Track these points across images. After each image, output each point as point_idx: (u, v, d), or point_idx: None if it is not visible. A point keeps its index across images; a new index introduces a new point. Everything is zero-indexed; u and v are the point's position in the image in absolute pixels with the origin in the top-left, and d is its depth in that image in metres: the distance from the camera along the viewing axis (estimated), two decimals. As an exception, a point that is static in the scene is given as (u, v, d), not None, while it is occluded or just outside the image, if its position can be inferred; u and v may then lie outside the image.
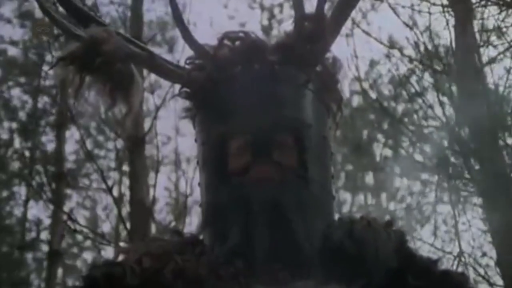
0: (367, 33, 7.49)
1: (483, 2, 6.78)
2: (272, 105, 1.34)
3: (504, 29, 6.77)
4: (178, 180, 11.36)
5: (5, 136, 11.23)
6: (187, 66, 1.48)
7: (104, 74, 1.40)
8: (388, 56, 7.76)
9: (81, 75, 1.40)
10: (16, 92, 11.49)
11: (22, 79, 11.54)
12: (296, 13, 1.45)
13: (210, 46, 1.46)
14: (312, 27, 1.42)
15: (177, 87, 1.49)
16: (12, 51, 11.66)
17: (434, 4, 7.03)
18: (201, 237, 1.36)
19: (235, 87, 1.37)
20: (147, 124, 7.58)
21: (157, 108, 7.77)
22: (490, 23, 6.80)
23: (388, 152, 10.05)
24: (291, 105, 1.36)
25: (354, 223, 1.31)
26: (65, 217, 9.18)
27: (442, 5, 6.97)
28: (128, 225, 7.18)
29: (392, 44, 7.91)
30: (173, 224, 9.29)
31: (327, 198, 1.37)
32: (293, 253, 1.24)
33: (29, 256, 11.53)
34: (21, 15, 10.97)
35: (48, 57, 9.19)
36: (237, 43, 1.43)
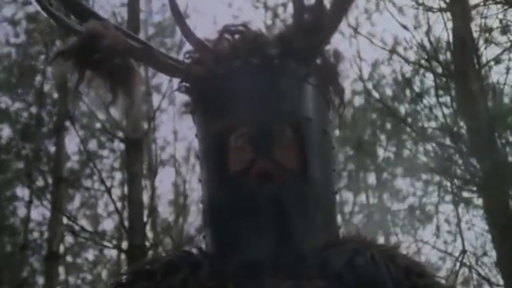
0: (369, 39, 7.52)
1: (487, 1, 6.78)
2: (272, 101, 1.33)
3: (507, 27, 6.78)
4: (177, 180, 11.39)
5: (6, 136, 11.22)
6: (186, 60, 1.46)
7: (103, 69, 1.38)
8: (390, 59, 7.78)
9: (80, 70, 1.38)
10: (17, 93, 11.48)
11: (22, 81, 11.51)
12: (295, 4, 1.43)
13: (209, 40, 1.44)
14: (311, 18, 1.40)
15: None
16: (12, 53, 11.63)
17: (431, 10, 7.04)
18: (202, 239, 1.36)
19: (234, 82, 1.35)
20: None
21: (155, 110, 7.78)
22: (491, 22, 6.81)
23: (391, 152, 10.05)
24: (291, 100, 1.34)
25: (357, 255, 1.26)
26: (65, 219, 9.21)
27: (440, 9, 6.98)
28: (127, 225, 7.18)
29: (394, 47, 7.92)
30: (172, 224, 9.31)
31: (328, 194, 1.36)
32: (299, 258, 1.23)
33: (31, 256, 11.53)
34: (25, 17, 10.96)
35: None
36: (237, 37, 1.41)
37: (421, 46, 6.98)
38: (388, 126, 9.50)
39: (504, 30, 6.79)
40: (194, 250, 1.34)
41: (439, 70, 6.95)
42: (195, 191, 9.60)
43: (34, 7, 10.49)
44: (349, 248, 1.27)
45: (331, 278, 1.21)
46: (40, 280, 11.42)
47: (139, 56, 1.43)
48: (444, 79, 6.93)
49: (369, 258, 1.25)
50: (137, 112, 1.46)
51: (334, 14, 1.42)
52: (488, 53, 6.82)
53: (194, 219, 9.67)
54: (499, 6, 6.74)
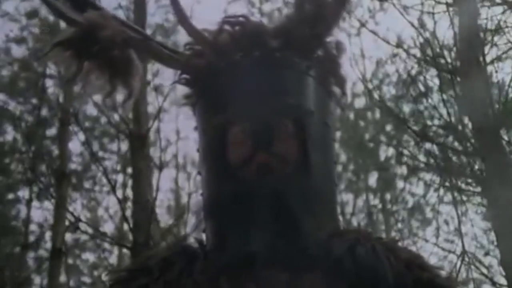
0: (374, 33, 7.51)
1: (486, 3, 6.76)
2: (274, 95, 1.31)
3: (507, 29, 6.77)
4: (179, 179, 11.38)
5: (10, 138, 11.23)
6: (186, 52, 1.45)
7: (102, 60, 1.37)
8: (395, 55, 7.76)
9: (78, 61, 1.36)
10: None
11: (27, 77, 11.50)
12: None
13: (209, 32, 1.42)
14: (312, 9, 1.38)
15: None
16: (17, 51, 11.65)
17: (438, 2, 7.02)
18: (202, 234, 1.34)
19: (235, 74, 1.34)
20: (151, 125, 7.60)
21: (160, 107, 7.77)
22: (493, 23, 6.79)
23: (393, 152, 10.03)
24: (292, 93, 1.33)
25: (358, 244, 1.26)
26: (68, 215, 9.20)
27: (447, 4, 6.96)
28: (131, 225, 7.17)
29: (399, 44, 7.90)
30: (174, 223, 9.30)
31: (330, 186, 1.35)
32: (297, 250, 1.22)
33: (31, 256, 11.54)
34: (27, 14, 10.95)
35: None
36: (237, 28, 1.39)
37: (427, 42, 6.97)
38: (390, 126, 9.48)
39: (504, 32, 6.78)
40: (193, 244, 1.33)
41: (444, 67, 6.92)
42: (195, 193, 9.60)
43: (35, 2, 10.51)
44: (350, 238, 1.26)
45: (331, 268, 1.20)
46: (39, 279, 11.46)
47: (138, 46, 1.41)
48: (449, 76, 6.90)
49: (370, 249, 1.24)
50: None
51: (336, 3, 1.41)
52: (493, 50, 6.81)
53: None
54: (505, 6, 6.74)
